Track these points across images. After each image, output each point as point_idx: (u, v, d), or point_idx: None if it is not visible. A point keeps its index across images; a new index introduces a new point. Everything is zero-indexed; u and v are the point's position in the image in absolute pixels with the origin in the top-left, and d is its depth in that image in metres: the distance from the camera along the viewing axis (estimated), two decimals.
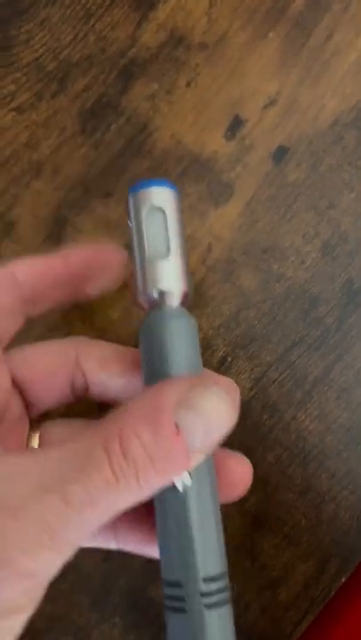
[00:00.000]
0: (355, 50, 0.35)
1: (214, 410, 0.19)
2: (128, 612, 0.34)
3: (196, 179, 0.34)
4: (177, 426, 0.18)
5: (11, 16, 0.35)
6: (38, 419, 0.25)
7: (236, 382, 0.34)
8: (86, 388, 0.24)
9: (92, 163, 0.35)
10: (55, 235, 0.35)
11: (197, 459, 0.19)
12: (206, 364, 0.34)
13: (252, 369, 0.34)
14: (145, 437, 0.18)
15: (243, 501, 0.34)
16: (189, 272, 0.24)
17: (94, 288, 0.24)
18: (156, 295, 0.22)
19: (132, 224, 0.23)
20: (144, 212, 0.23)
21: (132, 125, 0.35)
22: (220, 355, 0.34)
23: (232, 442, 0.34)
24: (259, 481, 0.34)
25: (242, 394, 0.34)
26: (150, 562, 0.34)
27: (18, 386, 0.23)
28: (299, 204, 0.34)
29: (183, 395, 0.18)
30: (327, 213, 0.34)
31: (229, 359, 0.34)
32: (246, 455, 0.34)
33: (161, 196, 0.23)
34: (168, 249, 0.22)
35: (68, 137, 0.35)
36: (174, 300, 0.22)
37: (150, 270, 0.22)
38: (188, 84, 0.35)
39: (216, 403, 0.19)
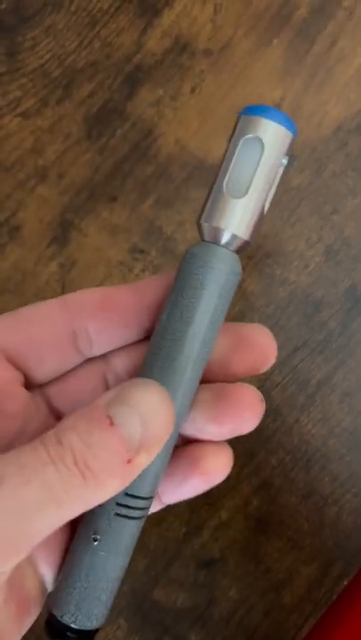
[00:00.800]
0: (358, 56, 0.35)
1: (146, 400, 0.18)
2: (132, 615, 0.34)
3: (200, 184, 0.35)
4: (111, 418, 0.18)
5: (17, 23, 0.36)
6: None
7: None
8: (92, 345, 0.23)
9: (97, 168, 0.35)
10: (60, 239, 0.35)
11: (143, 458, 0.18)
12: None
13: None
14: (79, 428, 0.18)
15: (246, 505, 0.34)
16: (263, 220, 0.21)
17: None
18: (214, 229, 0.20)
19: (228, 145, 0.21)
20: (241, 140, 0.20)
21: (136, 131, 0.35)
22: None
23: (235, 445, 0.34)
24: (262, 484, 0.34)
25: None
26: (154, 565, 0.34)
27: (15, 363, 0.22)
28: (302, 209, 0.35)
29: (116, 392, 0.18)
30: (331, 218, 0.34)
31: None
32: (249, 459, 0.35)
33: (271, 133, 0.20)
34: (246, 190, 0.20)
35: (73, 142, 0.35)
36: (231, 244, 0.20)
37: (219, 203, 0.20)
38: (193, 90, 0.35)
39: (147, 395, 0.18)
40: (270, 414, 0.34)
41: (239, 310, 0.34)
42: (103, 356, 0.23)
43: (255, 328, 0.22)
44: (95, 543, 0.20)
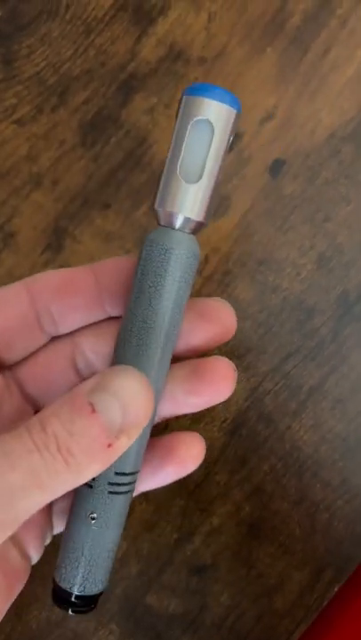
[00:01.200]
0: (352, 65, 0.35)
1: (126, 387, 0.19)
2: (125, 620, 0.34)
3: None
4: (92, 406, 0.18)
5: (13, 31, 0.36)
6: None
7: (232, 393, 0.34)
8: (93, 365, 0.24)
9: (92, 175, 0.35)
10: (54, 245, 0.35)
11: (123, 442, 0.19)
12: None
13: (247, 379, 0.34)
14: (62, 416, 0.18)
15: (238, 511, 0.34)
16: (216, 200, 0.21)
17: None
18: (169, 214, 0.20)
19: (176, 127, 0.20)
20: (190, 124, 0.20)
21: (131, 138, 0.35)
22: None
23: (227, 451, 0.35)
24: (254, 490, 0.34)
25: (237, 404, 0.34)
26: (147, 571, 0.35)
27: None
28: (295, 216, 0.35)
29: (97, 380, 0.19)
30: (323, 226, 0.35)
31: None
32: (241, 465, 0.35)
33: (219, 114, 0.20)
34: (201, 175, 0.20)
35: (67, 149, 0.35)
36: (187, 227, 0.21)
37: (173, 187, 0.20)
38: None
39: (127, 381, 0.19)
40: (262, 420, 0.34)
41: None
42: (70, 336, 0.24)
43: (213, 301, 0.23)
44: (93, 521, 0.22)
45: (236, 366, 0.34)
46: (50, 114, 0.36)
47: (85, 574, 0.22)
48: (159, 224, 0.21)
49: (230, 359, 0.34)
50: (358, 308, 0.34)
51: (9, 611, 0.24)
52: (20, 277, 0.35)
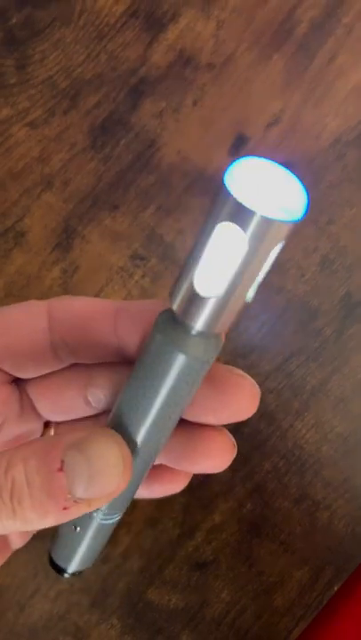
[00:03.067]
0: (357, 72, 0.36)
1: (101, 455, 0.18)
2: (126, 615, 0.35)
3: (201, 193, 0.36)
4: (62, 463, 0.18)
5: (28, 37, 0.37)
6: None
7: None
8: (103, 401, 0.23)
9: (101, 176, 0.36)
10: (64, 244, 0.36)
11: (81, 509, 0.18)
12: None
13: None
14: (30, 464, 0.18)
15: (240, 508, 0.35)
16: (241, 313, 0.17)
17: None
18: (184, 321, 0.17)
19: (205, 226, 0.16)
20: (216, 227, 0.15)
21: (140, 141, 0.36)
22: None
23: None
24: (256, 488, 0.35)
25: None
26: (149, 566, 0.35)
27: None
28: None
29: (80, 436, 0.18)
30: (327, 228, 0.35)
31: None
32: (243, 463, 0.35)
33: (255, 224, 0.14)
34: (222, 289, 0.16)
35: (78, 151, 0.36)
36: (203, 334, 0.17)
37: (189, 295, 0.16)
38: (195, 103, 0.36)
39: (105, 449, 0.18)
40: (265, 419, 0.35)
41: None
42: (87, 368, 0.23)
43: (235, 377, 0.21)
44: (76, 530, 0.22)
45: (240, 365, 0.35)
46: (62, 117, 0.37)
47: (82, 560, 0.23)
48: (174, 317, 0.18)
49: (235, 358, 0.35)
50: None
51: (11, 602, 0.25)
52: (30, 275, 0.36)
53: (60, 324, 0.21)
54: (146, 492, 0.23)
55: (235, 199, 0.14)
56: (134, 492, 0.22)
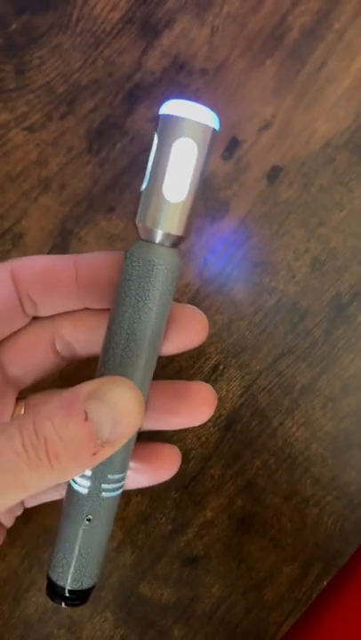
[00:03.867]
0: (348, 77, 0.36)
1: (121, 400, 0.20)
2: (119, 608, 0.36)
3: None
4: (86, 413, 0.19)
5: (26, 43, 0.38)
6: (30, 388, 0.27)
7: (227, 389, 0.36)
8: (72, 348, 0.25)
9: (97, 180, 0.37)
10: (60, 246, 0.37)
11: (107, 451, 0.20)
12: (199, 371, 0.36)
13: (242, 377, 0.35)
14: (56, 420, 0.19)
15: (231, 504, 0.35)
16: (186, 214, 0.21)
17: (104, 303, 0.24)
18: (152, 230, 0.21)
19: (156, 145, 0.21)
20: (175, 143, 0.20)
21: (135, 145, 0.37)
22: (212, 363, 0.35)
23: (221, 446, 0.36)
24: (246, 485, 0.35)
25: (232, 400, 0.36)
26: (141, 561, 0.36)
27: None
28: (291, 221, 0.36)
29: (95, 387, 0.20)
30: (317, 231, 0.36)
31: (221, 367, 0.35)
32: (234, 459, 0.36)
33: (202, 134, 0.21)
34: (183, 193, 0.21)
35: (75, 155, 0.37)
36: (167, 241, 0.21)
37: (156, 205, 0.21)
38: None
39: (123, 394, 0.20)
40: (256, 417, 0.35)
41: (228, 317, 0.36)
42: (51, 320, 0.25)
43: (186, 310, 0.24)
44: (88, 522, 0.23)
45: (232, 364, 0.36)
46: (59, 121, 0.37)
47: (79, 572, 0.23)
48: (140, 238, 0.22)
49: (226, 357, 0.36)
50: (350, 310, 0.35)
51: (7, 595, 0.26)
52: None
53: (25, 278, 0.24)
54: (136, 481, 0.25)
55: (184, 118, 0.20)
56: (130, 449, 0.23)
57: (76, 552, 0.23)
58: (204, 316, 0.25)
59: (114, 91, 0.37)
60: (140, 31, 0.38)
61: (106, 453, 0.20)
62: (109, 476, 0.23)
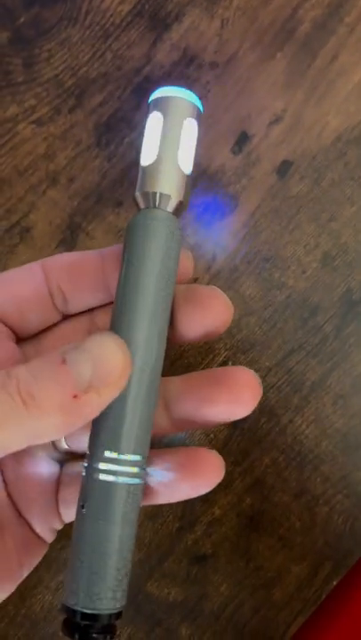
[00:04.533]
0: (359, 71, 0.36)
1: (100, 345, 0.19)
2: (126, 606, 0.35)
3: (204, 190, 0.36)
4: (64, 359, 0.18)
5: (35, 36, 0.38)
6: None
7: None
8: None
9: (105, 174, 0.37)
10: (68, 240, 0.36)
11: (92, 398, 0.18)
12: (207, 367, 0.35)
13: None
14: (31, 365, 0.18)
15: (239, 502, 0.35)
16: (189, 185, 0.24)
17: None
18: (140, 195, 0.23)
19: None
20: (149, 118, 0.24)
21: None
22: (221, 359, 0.35)
23: (230, 443, 0.35)
24: (255, 483, 0.35)
25: None
26: (148, 559, 0.35)
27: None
28: (301, 216, 0.36)
29: (76, 343, 0.19)
30: (328, 226, 0.35)
31: (230, 363, 0.35)
32: (243, 457, 0.36)
33: (169, 105, 0.24)
34: (156, 154, 0.24)
35: (83, 149, 0.37)
36: (165, 205, 0.23)
37: (140, 173, 0.24)
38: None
39: (103, 342, 0.19)
40: (265, 414, 0.35)
41: (237, 313, 0.35)
42: (88, 314, 0.25)
43: (206, 290, 0.23)
44: (83, 511, 0.20)
45: (241, 361, 0.35)
46: (67, 115, 0.37)
47: (89, 584, 0.19)
48: (140, 209, 0.23)
49: (235, 353, 0.35)
50: None
51: (12, 593, 0.25)
52: None
53: (55, 273, 0.24)
54: (171, 494, 0.23)
55: (152, 100, 0.25)
56: (145, 428, 0.21)
57: (79, 556, 0.19)
58: (226, 297, 0.23)
59: (123, 84, 0.37)
60: (150, 24, 0.37)
61: (90, 400, 0.18)
62: (107, 454, 0.20)
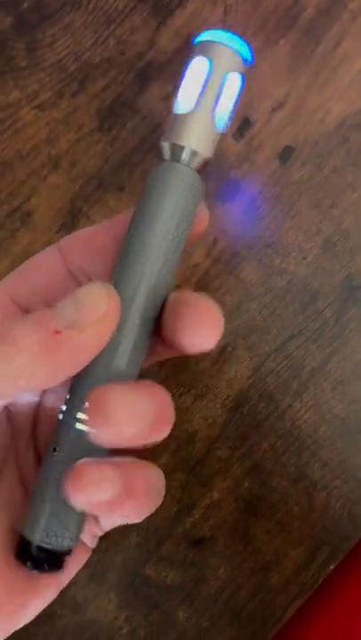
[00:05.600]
0: None
1: (85, 289, 0.19)
2: (123, 590, 0.35)
3: (206, 175, 0.36)
4: (51, 307, 0.18)
5: (38, 21, 0.38)
6: None
7: (235, 371, 0.35)
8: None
9: (107, 158, 0.37)
10: (69, 225, 0.36)
11: (74, 335, 0.18)
12: (206, 352, 0.35)
13: (251, 358, 0.35)
14: (21, 315, 0.18)
15: (237, 486, 0.35)
16: (218, 141, 0.22)
17: None
18: (167, 146, 0.21)
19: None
20: (192, 62, 0.22)
21: (146, 124, 0.37)
22: (220, 344, 0.35)
23: (228, 428, 0.35)
24: (253, 467, 0.35)
25: (240, 382, 0.35)
26: (146, 542, 0.36)
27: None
28: (302, 202, 0.36)
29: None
30: (329, 212, 0.35)
31: (229, 348, 0.35)
32: (242, 441, 0.36)
33: (217, 51, 0.21)
34: (193, 104, 0.21)
35: (85, 133, 0.37)
36: (192, 162, 0.21)
37: (171, 121, 0.21)
38: None
39: (89, 287, 0.19)
40: (264, 399, 0.35)
41: (237, 298, 0.35)
42: None
43: (204, 301, 0.21)
44: (55, 453, 0.20)
45: (241, 346, 0.35)
46: (70, 99, 0.37)
47: (49, 524, 0.20)
48: (164, 159, 0.22)
49: (235, 339, 0.35)
50: None
51: None
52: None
53: (73, 254, 0.23)
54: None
55: (200, 41, 0.22)
56: (139, 367, 0.21)
57: (44, 497, 0.20)
58: (220, 313, 0.21)
59: (125, 69, 0.37)
60: (153, 10, 0.37)
61: (72, 336, 0.18)
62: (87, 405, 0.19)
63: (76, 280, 0.24)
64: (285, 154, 0.36)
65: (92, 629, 0.35)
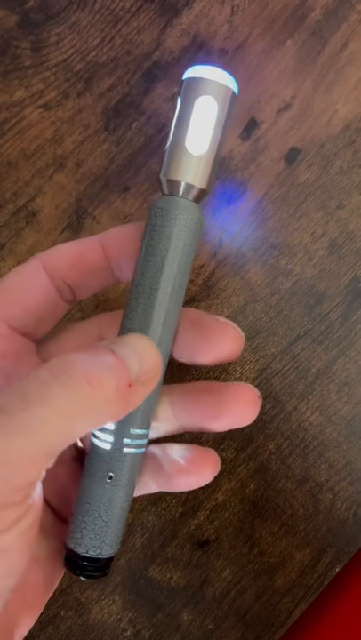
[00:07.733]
0: None
1: (139, 342, 0.20)
2: (127, 591, 0.35)
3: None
4: (113, 351, 0.19)
5: (43, 20, 0.38)
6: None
7: (241, 372, 0.35)
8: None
9: (113, 159, 0.37)
10: (74, 225, 0.36)
11: (140, 390, 0.20)
12: None
13: (256, 360, 0.35)
14: (83, 357, 0.19)
15: (243, 488, 0.35)
16: (216, 172, 0.23)
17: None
18: (174, 182, 0.22)
19: (179, 105, 0.23)
20: (197, 100, 0.22)
21: (152, 124, 0.37)
22: None
23: (234, 429, 0.35)
24: (259, 469, 0.35)
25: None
26: (151, 544, 0.35)
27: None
28: (308, 203, 0.36)
29: (111, 339, 0.21)
30: (336, 213, 0.35)
31: None
32: (247, 443, 0.36)
33: (222, 93, 0.22)
34: (205, 146, 0.22)
35: (91, 133, 0.37)
36: (189, 194, 0.22)
37: (180, 158, 0.22)
38: None
39: (140, 338, 0.21)
40: (269, 401, 0.35)
41: (243, 299, 0.35)
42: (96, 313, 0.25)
43: (220, 324, 0.24)
44: (109, 481, 0.22)
45: (246, 347, 0.35)
46: (75, 99, 0.37)
47: (99, 537, 0.22)
48: (163, 193, 0.23)
49: None
50: None
51: None
52: None
53: (58, 271, 0.24)
54: (180, 483, 0.25)
55: (205, 79, 0.22)
56: (152, 407, 0.23)
57: (96, 514, 0.22)
58: (239, 331, 0.24)
59: (132, 69, 0.37)
60: (160, 9, 0.37)
61: (139, 391, 0.20)
62: (132, 431, 0.22)
63: (61, 295, 0.24)
64: (292, 155, 0.36)
65: (96, 631, 0.35)
